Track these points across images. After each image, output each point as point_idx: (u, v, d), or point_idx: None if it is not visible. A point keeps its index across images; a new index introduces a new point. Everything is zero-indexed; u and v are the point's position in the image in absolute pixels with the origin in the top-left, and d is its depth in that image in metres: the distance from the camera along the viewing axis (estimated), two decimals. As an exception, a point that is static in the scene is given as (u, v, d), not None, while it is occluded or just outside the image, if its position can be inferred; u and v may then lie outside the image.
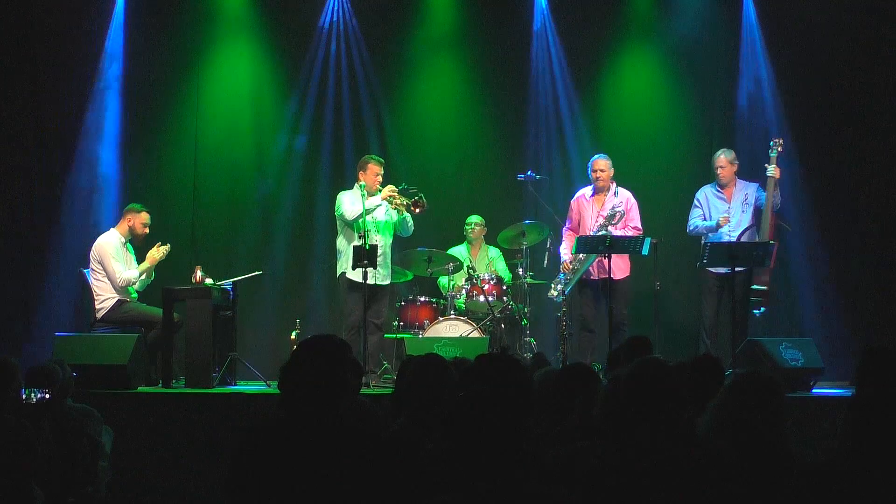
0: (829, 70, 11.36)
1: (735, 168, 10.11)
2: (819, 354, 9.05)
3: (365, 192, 9.69)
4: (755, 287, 9.74)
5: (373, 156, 10.18)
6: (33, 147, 11.04)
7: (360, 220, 9.64)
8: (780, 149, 9.96)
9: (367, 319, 9.72)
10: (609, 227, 9.75)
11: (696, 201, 10.22)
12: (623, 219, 9.85)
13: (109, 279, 9.47)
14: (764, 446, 3.99)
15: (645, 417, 3.73)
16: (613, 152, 10.74)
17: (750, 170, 10.41)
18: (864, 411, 3.58)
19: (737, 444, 3.93)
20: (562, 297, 10.01)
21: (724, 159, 10.11)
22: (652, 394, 3.74)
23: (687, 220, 10.28)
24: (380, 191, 9.84)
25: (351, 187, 10.03)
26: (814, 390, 8.90)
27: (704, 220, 10.08)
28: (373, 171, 9.93)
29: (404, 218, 9.94)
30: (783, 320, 11.21)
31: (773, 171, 9.84)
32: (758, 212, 9.94)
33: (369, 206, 9.68)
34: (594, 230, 9.86)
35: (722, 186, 10.10)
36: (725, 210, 10.01)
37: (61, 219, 10.99)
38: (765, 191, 9.91)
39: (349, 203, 9.80)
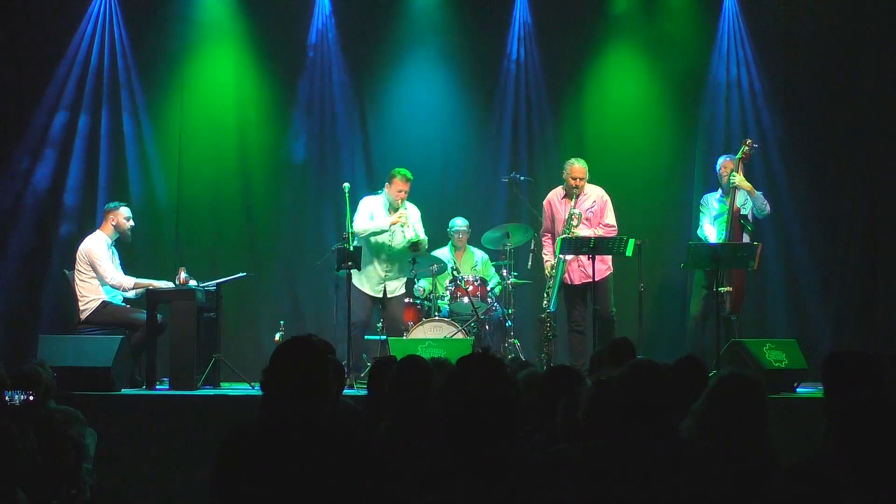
0: (813, 69, 11.41)
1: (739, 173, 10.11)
2: (803, 355, 9.07)
3: (388, 204, 9.99)
4: (719, 289, 9.67)
5: (401, 169, 10.17)
6: (17, 148, 11.01)
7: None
8: (747, 150, 9.97)
9: (385, 325, 10.14)
10: (574, 230, 9.73)
11: (702, 206, 10.26)
12: (581, 220, 9.83)
13: (101, 279, 9.45)
14: (747, 446, 4.00)
15: (634, 419, 3.74)
16: (597, 154, 10.80)
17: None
18: (837, 415, 3.61)
19: (720, 444, 3.94)
20: (554, 309, 9.99)
21: (729, 162, 10.11)
22: (645, 396, 3.76)
23: (698, 226, 10.28)
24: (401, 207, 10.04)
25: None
26: (798, 390, 8.93)
27: (712, 224, 10.07)
28: (397, 186, 10.00)
29: (415, 243, 10.07)
30: (768, 321, 11.26)
31: (734, 178, 9.85)
32: (737, 217, 9.94)
33: (376, 228, 9.98)
34: (560, 234, 9.87)
35: (725, 190, 10.09)
36: (722, 213, 10.02)
37: (45, 221, 10.97)
38: (764, 199, 9.95)
39: (363, 215, 10.01)
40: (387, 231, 10.00)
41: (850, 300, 11.21)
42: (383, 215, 10.11)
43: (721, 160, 10.22)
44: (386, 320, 10.17)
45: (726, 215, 9.93)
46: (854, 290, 11.22)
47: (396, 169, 10.20)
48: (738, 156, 9.97)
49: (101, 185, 11.13)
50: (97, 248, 9.51)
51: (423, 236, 10.13)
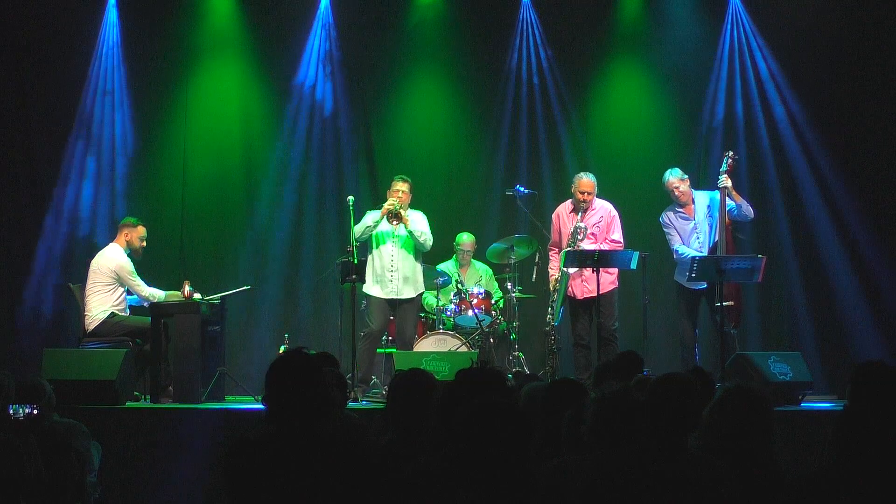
0: (818, 80, 11.41)
1: (687, 182, 10.04)
2: (807, 368, 9.05)
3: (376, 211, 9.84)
4: (720, 304, 9.63)
5: (400, 174, 10.14)
6: (20, 160, 11.04)
7: (372, 234, 9.76)
8: (731, 161, 9.88)
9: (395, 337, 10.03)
10: (578, 245, 9.69)
11: (664, 226, 10.04)
12: (586, 234, 9.79)
13: (136, 293, 9.50)
14: (752, 459, 3.99)
15: (656, 431, 3.75)
16: (602, 166, 10.79)
17: (736, 183, 10.32)
18: (856, 424, 3.60)
19: (725, 457, 3.93)
20: (558, 322, 9.94)
21: (675, 180, 9.92)
22: (677, 410, 3.77)
23: (671, 246, 10.06)
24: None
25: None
26: (803, 404, 8.91)
27: (683, 243, 9.96)
28: (393, 187, 9.93)
29: (410, 232, 9.92)
30: (772, 333, 11.24)
31: (723, 181, 9.77)
32: (730, 228, 9.84)
33: (369, 221, 9.76)
34: (565, 247, 9.82)
35: (682, 206, 10.02)
36: (692, 228, 9.96)
37: (50, 234, 10.99)
38: (748, 204, 9.88)
39: (361, 222, 9.86)
40: (379, 222, 9.86)
41: (856, 311, 11.17)
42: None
43: (669, 177, 9.97)
44: (396, 329, 10.10)
45: (706, 222, 9.86)
46: (859, 302, 11.19)
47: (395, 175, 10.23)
48: (724, 168, 9.87)
49: (106, 199, 11.16)
50: (127, 263, 9.56)
51: (426, 233, 10.03)
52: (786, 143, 11.48)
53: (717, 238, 9.73)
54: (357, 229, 9.78)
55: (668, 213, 10.06)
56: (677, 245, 9.95)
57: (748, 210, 9.89)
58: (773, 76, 11.61)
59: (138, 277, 9.58)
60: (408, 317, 10.02)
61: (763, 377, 8.58)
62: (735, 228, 9.87)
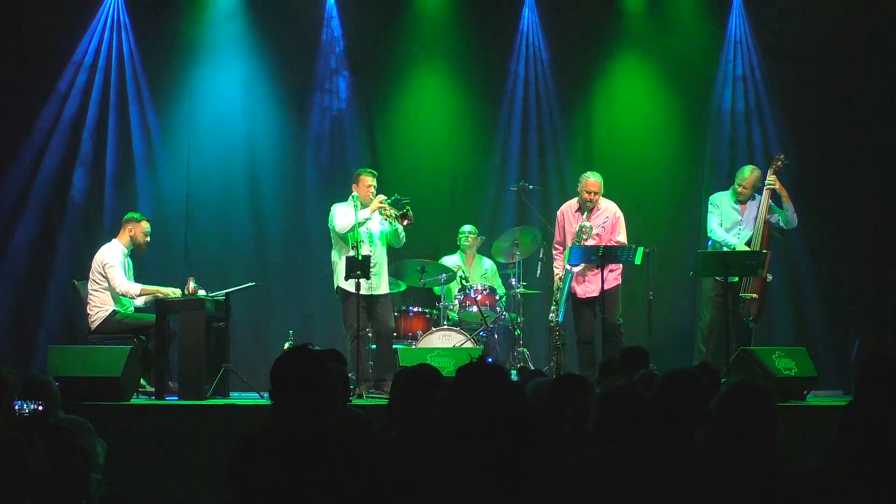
0: (822, 78, 11.41)
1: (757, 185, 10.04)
2: (812, 363, 9.04)
3: (358, 204, 9.70)
4: (743, 295, 9.68)
5: (366, 168, 10.16)
6: (27, 158, 11.03)
7: (353, 232, 9.60)
8: (779, 164, 9.90)
9: (374, 329, 9.88)
10: (583, 244, 9.67)
11: (713, 205, 10.09)
12: (591, 234, 9.76)
13: (110, 285, 9.45)
14: (756, 455, 3.99)
15: (661, 427, 3.74)
16: (606, 162, 10.78)
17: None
18: (862, 420, 3.59)
19: (730, 452, 3.93)
20: (561, 319, 9.93)
21: (752, 178, 9.94)
22: (682, 406, 3.77)
23: (708, 225, 10.09)
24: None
25: (344, 199, 9.97)
26: (808, 398, 8.91)
27: (722, 225, 9.97)
28: (364, 182, 9.88)
29: (395, 229, 9.86)
30: (777, 329, 11.23)
31: (772, 181, 9.79)
32: (767, 225, 9.86)
33: (360, 218, 9.65)
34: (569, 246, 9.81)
35: (741, 201, 10.02)
36: (736, 223, 9.95)
37: (55, 231, 10.99)
38: (777, 205, 9.88)
39: (342, 216, 9.74)
40: (369, 219, 9.82)
41: (860, 307, 11.17)
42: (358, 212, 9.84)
43: (749, 171, 10.03)
44: (376, 324, 9.99)
45: (753, 224, 9.84)
46: (864, 298, 11.19)
47: (361, 168, 10.15)
48: (772, 168, 9.89)
49: (109, 195, 11.16)
50: (111, 257, 9.53)
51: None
52: (789, 137, 11.48)
53: (752, 234, 9.76)
54: (344, 223, 9.66)
55: (722, 196, 10.12)
56: (715, 226, 9.96)
57: (794, 217, 9.89)
58: (772, 75, 11.62)
59: (119, 270, 9.48)
60: (387, 311, 9.99)
61: (768, 372, 8.58)
62: (773, 226, 9.86)
